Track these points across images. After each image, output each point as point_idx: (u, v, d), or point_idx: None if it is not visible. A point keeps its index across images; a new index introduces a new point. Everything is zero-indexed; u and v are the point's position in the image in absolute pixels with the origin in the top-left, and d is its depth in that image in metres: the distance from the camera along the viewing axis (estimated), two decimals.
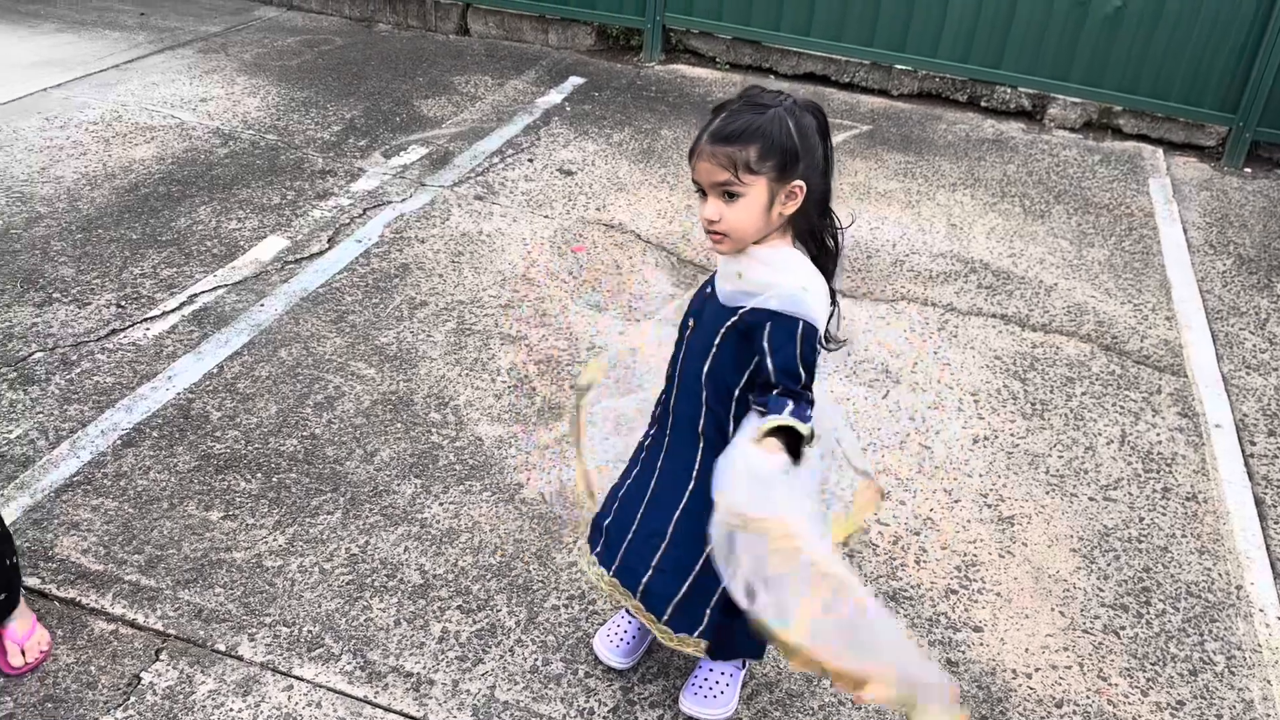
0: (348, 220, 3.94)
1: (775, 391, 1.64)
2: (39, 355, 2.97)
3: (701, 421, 1.78)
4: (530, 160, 4.63)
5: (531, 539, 2.49)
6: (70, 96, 4.81)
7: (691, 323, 1.81)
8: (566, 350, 3.28)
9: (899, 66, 5.67)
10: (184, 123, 4.65)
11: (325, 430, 2.80)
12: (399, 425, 2.85)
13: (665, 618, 1.85)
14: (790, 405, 1.61)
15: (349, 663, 2.12)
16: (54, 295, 3.26)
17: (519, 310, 3.48)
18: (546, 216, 4.14)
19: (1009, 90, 5.56)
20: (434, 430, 2.85)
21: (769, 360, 1.63)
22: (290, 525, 2.45)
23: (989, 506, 2.73)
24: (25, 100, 4.73)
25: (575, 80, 5.71)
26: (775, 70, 5.96)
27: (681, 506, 1.81)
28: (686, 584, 1.83)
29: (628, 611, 2.12)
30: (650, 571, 1.84)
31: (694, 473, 1.80)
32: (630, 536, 1.87)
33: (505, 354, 3.23)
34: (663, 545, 1.83)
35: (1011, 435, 3.01)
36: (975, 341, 3.47)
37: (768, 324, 1.64)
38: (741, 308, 1.69)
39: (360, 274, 3.59)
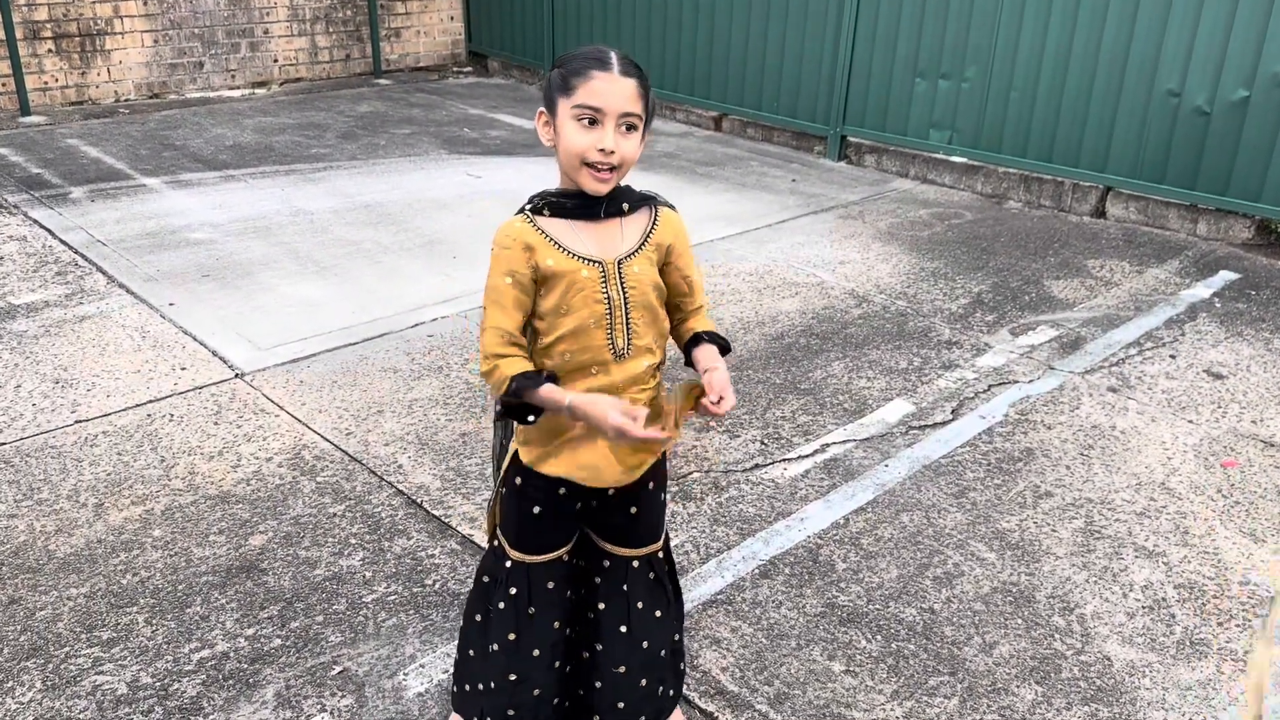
0: (972, 394, 3.95)
1: None
2: (696, 475, 3.37)
3: None
4: (1172, 356, 4.29)
5: None
6: (731, 249, 5.51)
7: None
8: (1213, 580, 2.91)
9: None
10: (824, 282, 5.07)
11: (944, 607, 2.77)
12: (1019, 621, 2.73)
13: None
14: None
15: None
16: (711, 424, 3.69)
17: (1156, 522, 3.18)
18: (1191, 421, 3.77)
19: None
20: (1057, 636, 2.68)
21: None
22: (908, 699, 2.44)
23: None
24: (698, 248, 5.48)
25: (1227, 275, 5.22)
26: None
27: None
28: None
29: None
30: None
31: None
32: None
33: (1140, 569, 2.96)
34: None
35: None
36: None
37: None
38: None
39: (983, 451, 3.56)
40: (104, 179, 6.18)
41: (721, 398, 1.81)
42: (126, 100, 8.33)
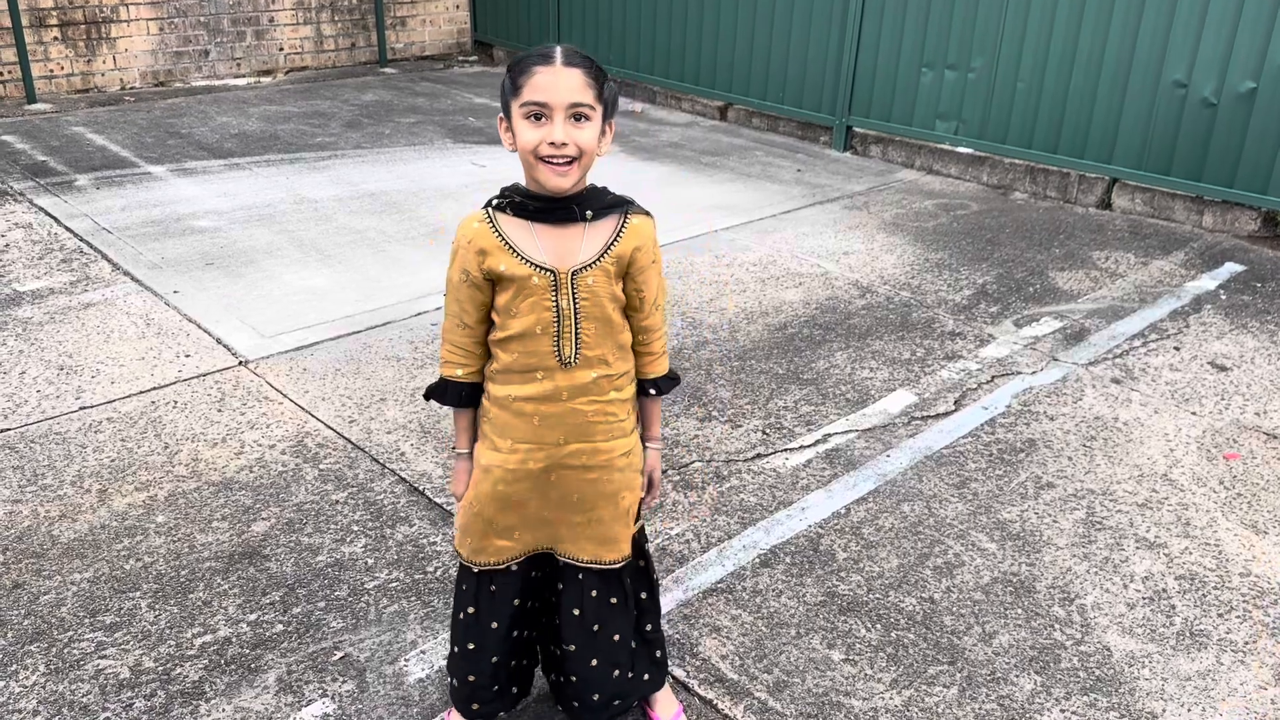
0: (975, 385, 3.95)
1: None
2: (698, 465, 3.37)
3: None
4: (1176, 348, 4.28)
5: None
6: (735, 239, 5.51)
7: None
8: (1214, 571, 2.91)
9: None
10: (828, 272, 5.06)
11: (944, 597, 2.77)
12: (1019, 611, 2.73)
13: None
14: None
15: None
16: (713, 413, 3.69)
17: (1158, 513, 3.18)
18: (1194, 413, 3.76)
19: None
20: (1057, 626, 2.68)
21: None
22: (907, 688, 2.45)
23: None
24: (701, 239, 5.51)
25: (1233, 267, 5.21)
26: None
27: None
28: None
29: None
30: None
31: None
32: None
33: (1141, 559, 2.96)
34: None
35: None
36: None
37: None
38: None
39: (985, 442, 3.56)
40: (109, 166, 6.19)
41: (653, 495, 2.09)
42: (132, 88, 8.33)
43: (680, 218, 5.70)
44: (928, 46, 6.74)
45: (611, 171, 6.37)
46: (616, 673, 2.13)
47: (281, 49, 9.11)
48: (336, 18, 9.36)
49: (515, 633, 2.12)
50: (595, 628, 2.07)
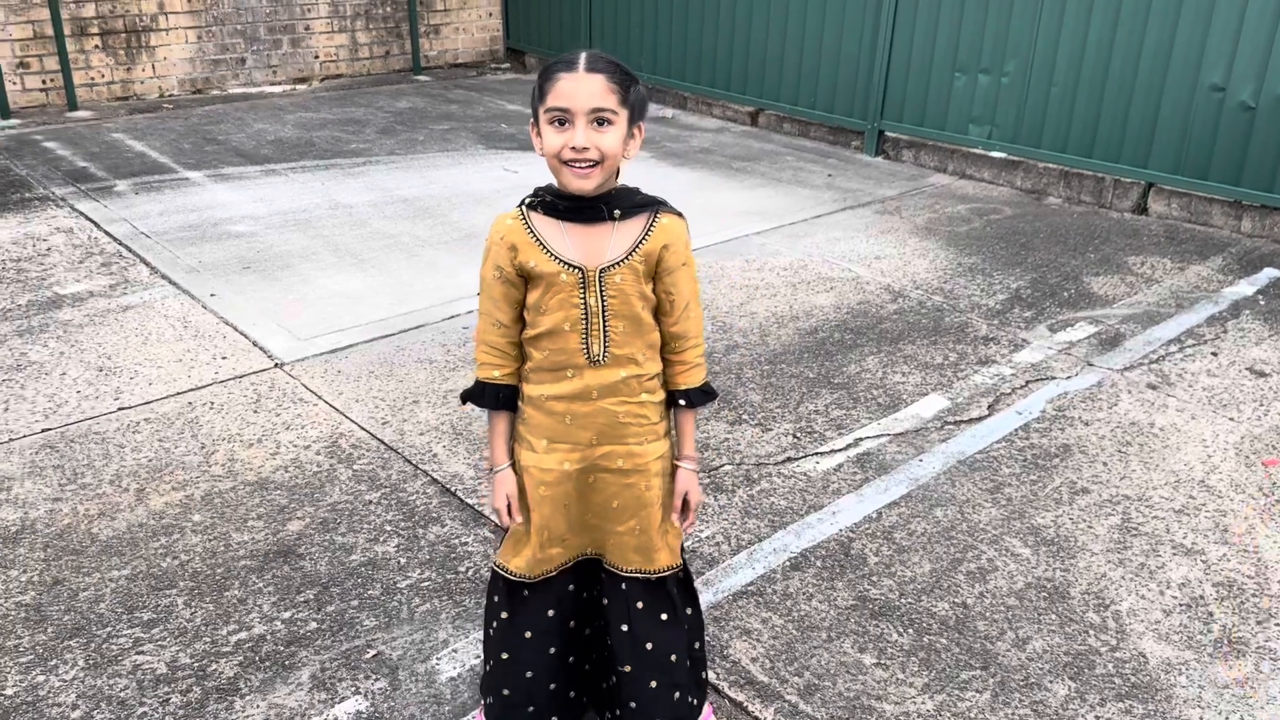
0: (1009, 390, 3.92)
1: None
2: (728, 468, 3.37)
3: None
4: (1214, 354, 4.22)
5: None
6: (766, 243, 5.50)
7: None
8: (1253, 579, 2.87)
9: None
10: (859, 276, 5.04)
11: (977, 602, 2.75)
12: (1053, 616, 2.70)
13: None
14: None
15: None
16: (743, 417, 3.68)
17: (1195, 519, 3.14)
18: (1232, 419, 3.71)
19: None
20: (1091, 632, 2.65)
21: None
22: (939, 693, 2.43)
23: None
24: (732, 243, 5.50)
25: (1271, 272, 5.13)
26: None
27: None
28: None
29: None
30: None
31: None
32: None
33: (1177, 566, 2.92)
34: None
35: None
36: None
37: None
38: None
39: (1019, 447, 3.53)
40: (148, 172, 6.29)
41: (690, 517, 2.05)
42: (170, 96, 8.47)
43: (711, 223, 5.70)
44: (961, 50, 6.70)
45: (642, 176, 6.38)
46: (677, 695, 2.06)
47: (317, 56, 9.22)
48: (371, 26, 9.46)
49: (553, 649, 2.05)
50: (649, 645, 2.02)
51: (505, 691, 2.06)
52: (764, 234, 5.65)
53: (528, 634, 2.03)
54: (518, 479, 1.99)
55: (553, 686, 2.07)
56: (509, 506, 1.98)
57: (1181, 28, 5.71)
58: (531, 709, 2.07)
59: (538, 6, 9.82)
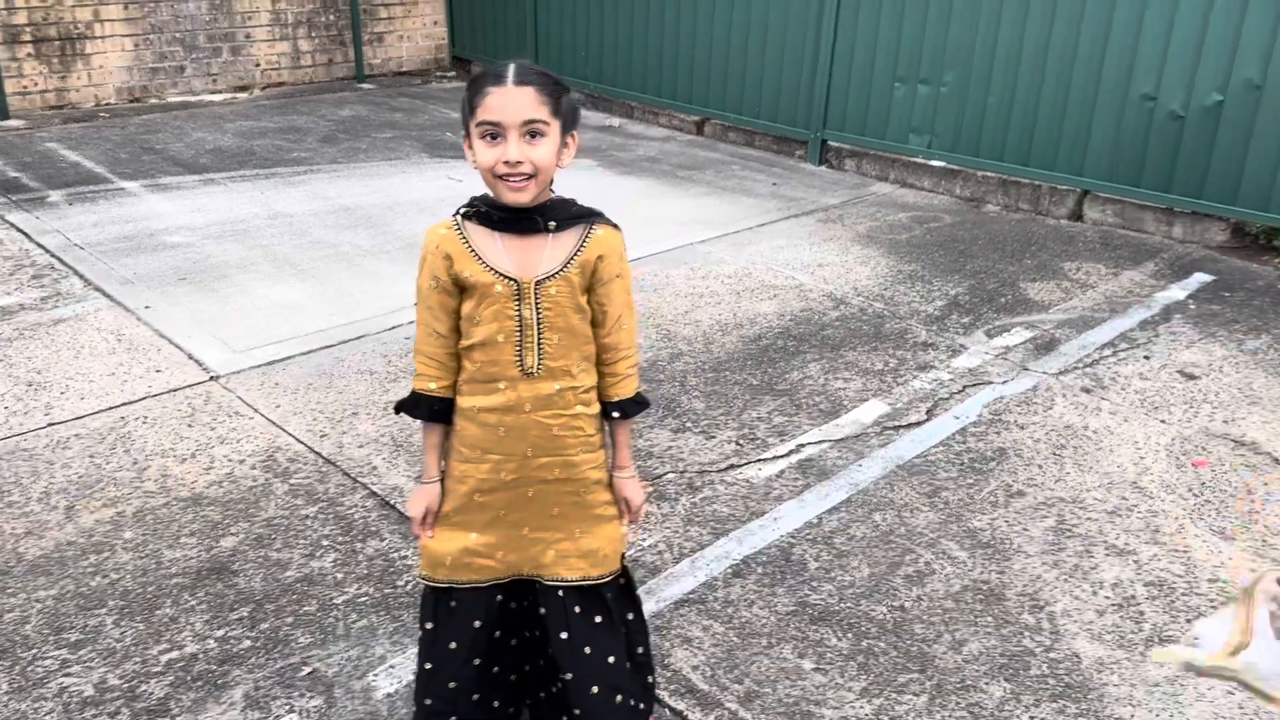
0: (947, 395, 3.97)
1: None
2: (671, 476, 3.37)
3: None
4: (1146, 357, 4.32)
5: None
6: (711, 252, 5.53)
7: None
8: (1183, 577, 2.93)
9: None
10: (802, 284, 5.08)
11: (915, 605, 2.78)
12: (989, 619, 2.74)
13: None
14: None
15: None
16: (687, 424, 3.69)
17: (1127, 520, 3.20)
18: (1163, 421, 3.80)
19: None
20: (1026, 633, 2.69)
21: None
22: (877, 696, 2.45)
23: None
24: (676, 251, 5.52)
25: (1202, 277, 5.27)
26: None
27: None
28: None
29: None
30: None
31: None
32: None
33: (1110, 566, 2.98)
34: None
35: None
36: None
37: None
38: None
39: (956, 451, 3.58)
40: (82, 182, 6.16)
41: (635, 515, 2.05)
42: (107, 104, 8.30)
43: (657, 231, 5.72)
44: (901, 61, 6.80)
45: (589, 185, 6.39)
46: (619, 698, 2.05)
47: (258, 65, 9.10)
48: (314, 34, 9.36)
49: (478, 659, 2.03)
50: (586, 650, 2.01)
51: (428, 701, 2.05)
52: (709, 242, 5.67)
53: (452, 645, 2.01)
54: (446, 492, 1.97)
55: (476, 697, 2.07)
56: (424, 519, 1.98)
57: (1113, 40, 5.85)
58: (454, 718, 2.06)
59: (483, 15, 9.79)
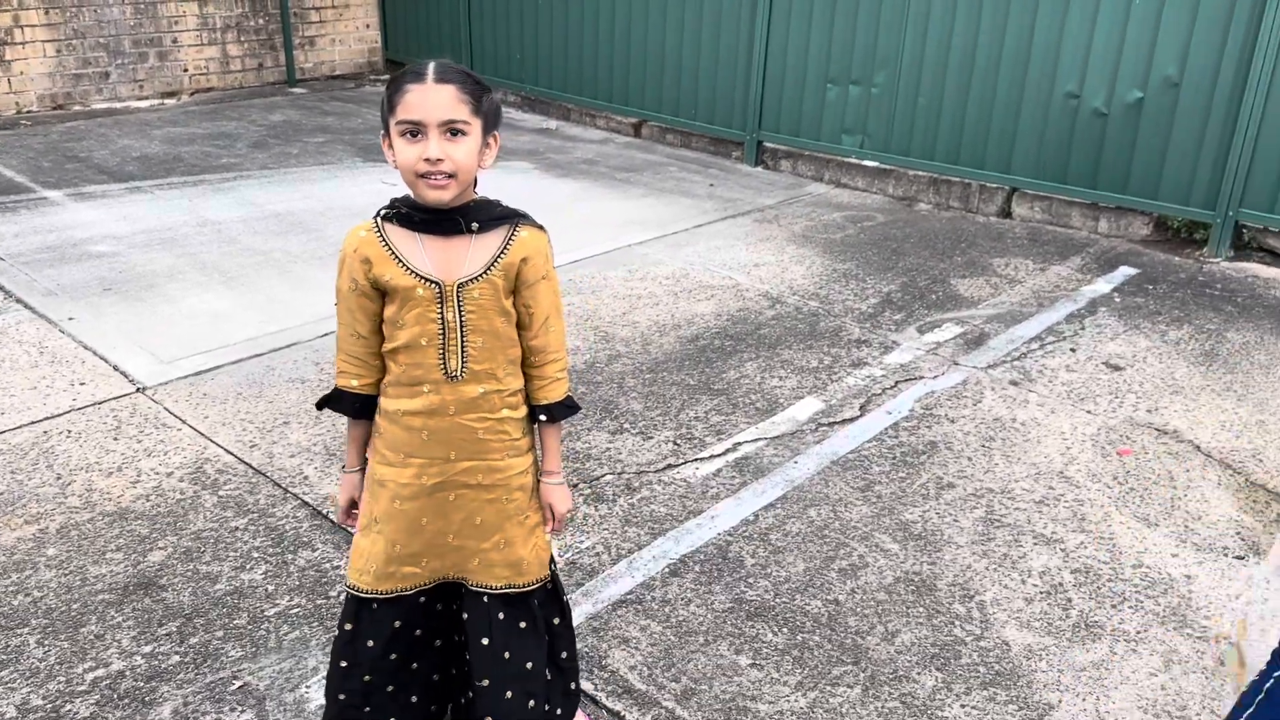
0: (879, 390, 4.03)
1: None
2: (609, 477, 3.37)
3: None
4: (1072, 350, 4.42)
5: None
6: (648, 253, 5.54)
7: None
8: (1108, 564, 3.01)
9: None
10: (739, 284, 5.12)
11: (848, 598, 2.82)
12: (921, 609, 2.79)
13: None
14: None
15: None
16: (625, 426, 3.70)
17: (1054, 509, 3.27)
18: (1089, 412, 3.89)
19: None
20: (957, 623, 2.74)
21: None
22: (812, 690, 2.47)
23: None
24: (614, 253, 5.53)
25: (1126, 270, 5.41)
26: None
27: None
28: None
29: None
30: None
31: None
32: None
33: (1038, 555, 3.04)
34: None
35: None
36: None
37: None
38: None
39: (888, 445, 3.63)
40: (3, 192, 5.98)
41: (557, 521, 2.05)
42: (28, 111, 8.08)
43: (594, 233, 5.72)
44: (832, 63, 6.88)
45: (525, 188, 6.37)
46: (532, 703, 2.03)
47: (186, 70, 8.92)
48: (243, 38, 9.20)
49: (394, 654, 2.01)
50: (506, 655, 1.99)
51: (341, 696, 2.02)
52: (646, 244, 5.69)
53: (370, 643, 1.99)
54: (369, 493, 1.95)
55: (390, 689, 2.03)
56: (348, 510, 2.02)
57: (1037, 40, 5.99)
58: (368, 709, 2.02)
59: (416, 17, 9.71)
